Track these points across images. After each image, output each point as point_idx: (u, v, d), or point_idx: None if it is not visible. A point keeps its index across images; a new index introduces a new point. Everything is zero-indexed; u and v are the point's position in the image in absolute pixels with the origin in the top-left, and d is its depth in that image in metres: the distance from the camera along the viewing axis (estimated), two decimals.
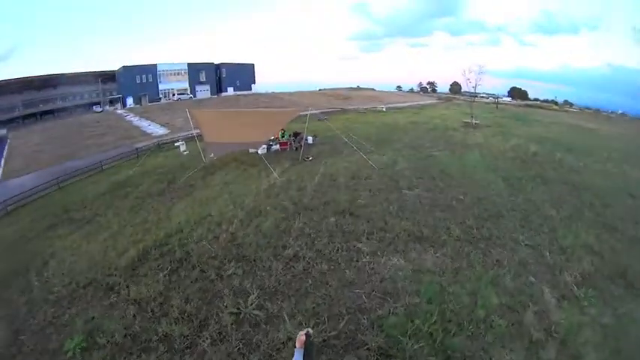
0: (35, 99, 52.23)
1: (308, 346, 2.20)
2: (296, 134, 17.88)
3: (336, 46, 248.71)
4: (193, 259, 6.36)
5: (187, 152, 19.94)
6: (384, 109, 48.87)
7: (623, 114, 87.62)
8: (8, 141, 34.10)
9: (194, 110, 15.14)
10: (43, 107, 53.49)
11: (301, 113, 16.68)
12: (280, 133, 18.11)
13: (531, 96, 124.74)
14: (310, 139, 18.45)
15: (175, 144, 23.49)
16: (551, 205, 8.78)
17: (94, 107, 55.52)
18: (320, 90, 79.76)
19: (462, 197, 8.93)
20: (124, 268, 6.72)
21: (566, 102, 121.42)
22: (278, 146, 17.72)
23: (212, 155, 13.81)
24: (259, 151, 16.37)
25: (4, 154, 30.33)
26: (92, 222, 11.12)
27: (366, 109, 48.59)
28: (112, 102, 59.83)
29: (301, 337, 2.21)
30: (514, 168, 12.87)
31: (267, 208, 8.60)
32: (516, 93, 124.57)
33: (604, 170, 13.74)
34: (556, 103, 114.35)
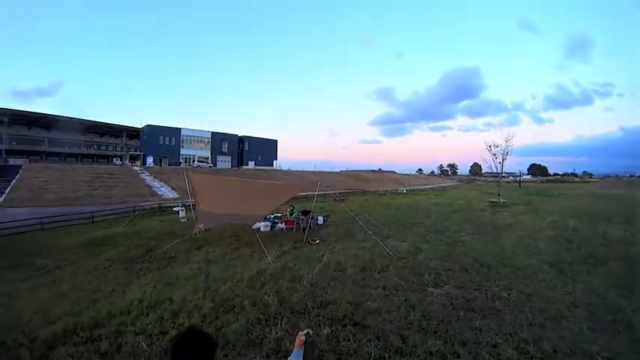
0: (60, 139, 55.52)
1: (307, 346, 2.08)
2: (305, 212, 16.92)
3: (359, 130, 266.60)
4: (120, 358, 4.96)
5: (186, 219, 19.34)
6: (404, 191, 49.85)
7: None
8: (20, 171, 35.03)
9: (191, 173, 14.86)
10: (68, 149, 56.54)
11: (312, 193, 16.10)
12: (289, 210, 17.39)
13: (550, 171, 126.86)
14: (321, 220, 17.56)
15: (174, 209, 23.13)
16: (616, 292, 7.03)
17: (114, 160, 58.75)
18: (342, 171, 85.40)
19: (505, 295, 7.06)
20: (41, 342, 5.34)
21: (585, 173, 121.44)
22: (283, 225, 16.74)
23: (201, 226, 12.85)
24: (262, 228, 15.51)
25: (12, 183, 31.12)
26: (49, 274, 10.13)
27: (385, 190, 49.02)
28: (133, 158, 62.95)
29: (301, 337, 2.10)
30: (559, 249, 11.37)
31: (244, 302, 7.00)
32: (536, 169, 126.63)
33: None
34: (576, 175, 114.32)
